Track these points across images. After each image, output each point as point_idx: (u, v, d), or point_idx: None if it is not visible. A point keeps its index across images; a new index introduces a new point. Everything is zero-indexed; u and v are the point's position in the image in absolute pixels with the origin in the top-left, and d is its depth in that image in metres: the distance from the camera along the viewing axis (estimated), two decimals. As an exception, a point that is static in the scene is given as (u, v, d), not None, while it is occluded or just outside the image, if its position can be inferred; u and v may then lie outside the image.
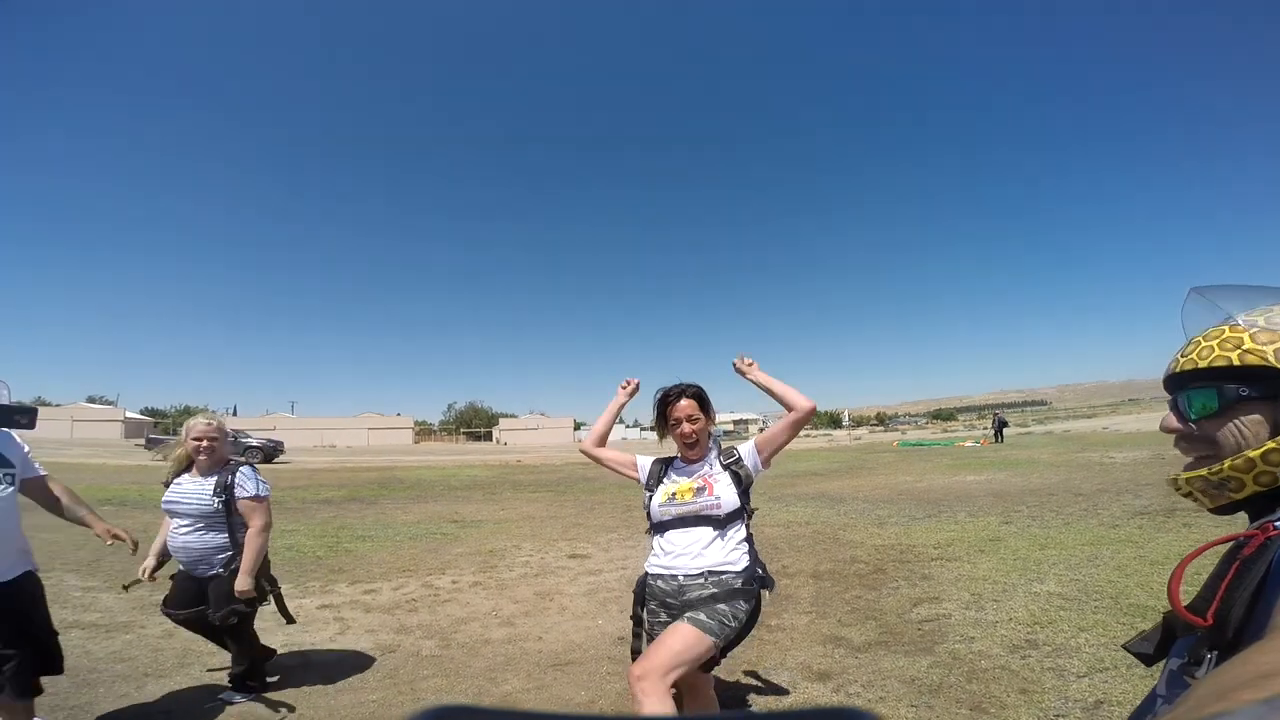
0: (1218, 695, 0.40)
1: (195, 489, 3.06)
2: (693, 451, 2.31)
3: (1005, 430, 29.11)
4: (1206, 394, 0.79)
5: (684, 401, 2.30)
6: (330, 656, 3.78)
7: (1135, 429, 27.95)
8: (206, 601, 3.02)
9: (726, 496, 2.19)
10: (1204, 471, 0.80)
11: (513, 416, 77.61)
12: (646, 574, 2.26)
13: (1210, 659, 0.69)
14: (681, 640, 1.94)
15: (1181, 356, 0.83)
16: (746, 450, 2.32)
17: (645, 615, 2.25)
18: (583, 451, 2.64)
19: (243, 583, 2.96)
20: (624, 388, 2.59)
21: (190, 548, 3.04)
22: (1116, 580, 4.59)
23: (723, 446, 2.38)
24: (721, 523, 2.17)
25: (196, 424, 3.12)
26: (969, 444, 26.66)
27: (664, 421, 2.36)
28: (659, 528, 2.26)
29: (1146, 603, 3.99)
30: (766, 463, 2.33)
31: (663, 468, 2.39)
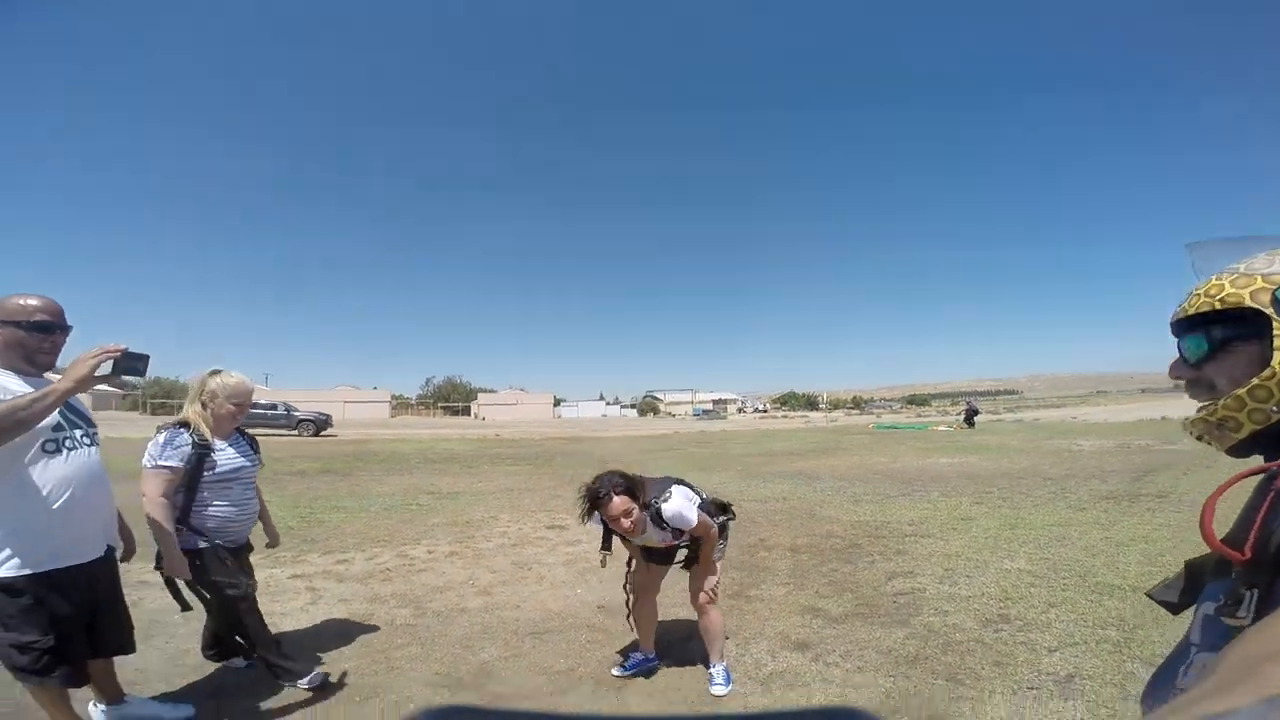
0: (1248, 667, 0.38)
1: (242, 451, 2.88)
2: (635, 533, 2.62)
3: (977, 417, 29.75)
4: (1197, 339, 0.82)
5: (616, 500, 2.49)
6: (301, 626, 3.71)
7: (1102, 419, 28.76)
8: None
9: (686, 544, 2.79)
10: (1203, 414, 0.82)
11: (491, 391, 77.16)
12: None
13: (1251, 598, 0.66)
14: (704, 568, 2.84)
15: (1179, 307, 0.86)
16: (678, 523, 2.61)
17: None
18: None
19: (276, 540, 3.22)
20: None
21: (248, 515, 2.90)
22: (1084, 559, 4.69)
23: (654, 511, 2.59)
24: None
25: (244, 385, 2.85)
26: (942, 429, 27.24)
27: (594, 513, 2.61)
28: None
29: (1113, 581, 4.08)
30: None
31: (611, 533, 2.79)
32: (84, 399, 2.38)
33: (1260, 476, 0.74)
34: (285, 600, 4.18)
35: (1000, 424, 30.30)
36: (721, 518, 2.91)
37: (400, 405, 70.10)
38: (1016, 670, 2.81)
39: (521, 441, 21.47)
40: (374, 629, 3.65)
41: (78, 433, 2.22)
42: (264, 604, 3.89)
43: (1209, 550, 0.84)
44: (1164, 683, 0.80)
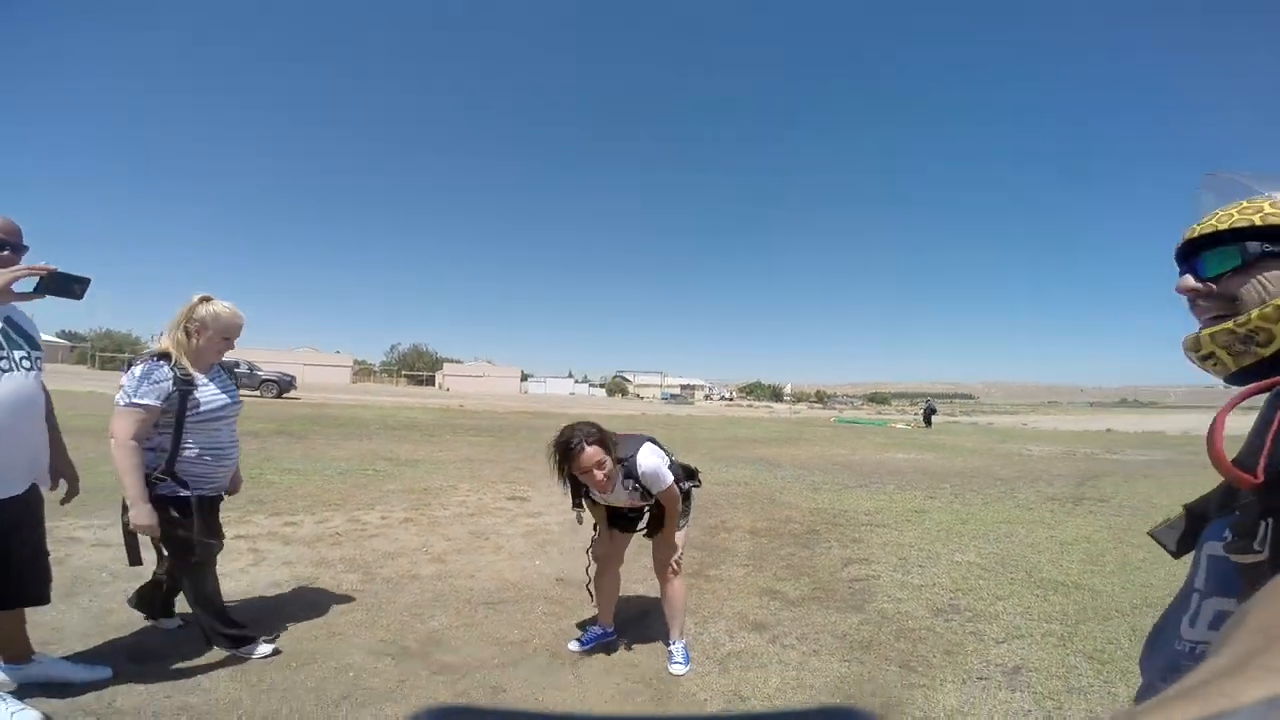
0: (1266, 636, 0.35)
1: (224, 388, 2.58)
2: (611, 494, 2.59)
3: (934, 417, 30.64)
4: (1227, 252, 0.79)
5: (588, 451, 2.37)
6: (240, 588, 3.56)
7: (1051, 428, 29.87)
8: (211, 524, 2.61)
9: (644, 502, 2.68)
10: (1230, 325, 0.77)
11: (458, 362, 76.06)
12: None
13: (1268, 527, 0.61)
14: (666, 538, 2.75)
15: (1198, 226, 0.83)
16: (656, 485, 2.56)
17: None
18: None
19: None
20: None
21: (234, 457, 2.65)
22: (1030, 556, 4.82)
23: (636, 476, 2.53)
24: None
25: (238, 317, 2.57)
26: (900, 426, 27.96)
27: (566, 469, 2.47)
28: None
29: (1057, 578, 4.20)
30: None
31: (583, 488, 2.62)
32: (33, 322, 2.17)
33: (1266, 397, 0.71)
34: (226, 561, 3.98)
35: (956, 425, 31.23)
36: (688, 483, 2.83)
37: (362, 371, 68.57)
38: (966, 660, 2.85)
39: (486, 414, 21.21)
40: (318, 593, 3.51)
41: (18, 354, 2.01)
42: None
43: (1193, 502, 0.82)
44: (1165, 640, 0.76)
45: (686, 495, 2.79)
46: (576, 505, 2.70)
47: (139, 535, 2.40)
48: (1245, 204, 0.79)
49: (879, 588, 3.95)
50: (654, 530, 2.79)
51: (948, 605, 3.63)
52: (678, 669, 2.69)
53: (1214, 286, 0.80)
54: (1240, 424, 0.71)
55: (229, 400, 2.58)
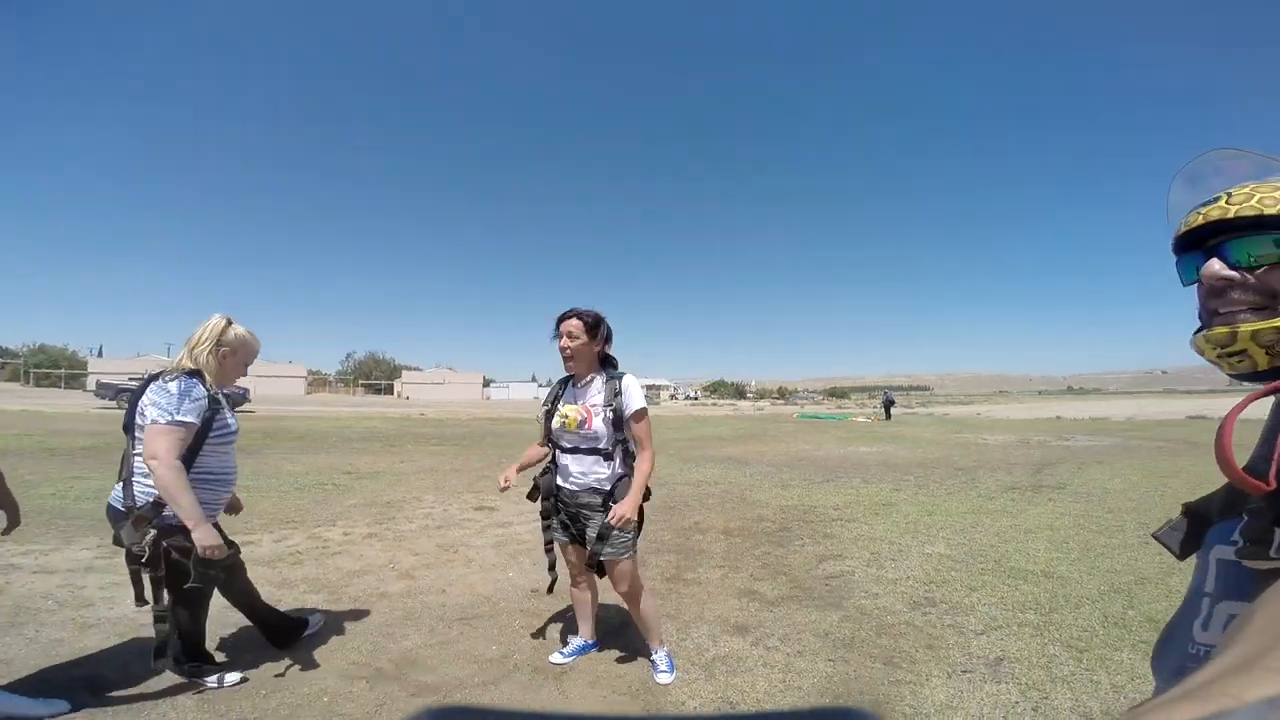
0: (1272, 636, 0.35)
1: (230, 410, 2.60)
2: (572, 366, 2.61)
3: (893, 409, 31.45)
4: (1264, 241, 0.69)
5: (571, 321, 2.58)
6: None
7: (1004, 416, 30.94)
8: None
9: (603, 430, 2.54)
10: (1276, 322, 0.67)
11: (417, 370, 74.46)
12: (556, 482, 2.68)
13: None
14: (618, 568, 2.57)
15: (1227, 203, 0.71)
16: (628, 401, 2.56)
17: (553, 510, 2.73)
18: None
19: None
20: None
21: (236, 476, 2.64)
22: (997, 545, 4.93)
23: (614, 375, 2.62)
24: (605, 452, 2.56)
25: (258, 344, 2.62)
26: (861, 419, 28.61)
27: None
28: (555, 445, 2.68)
29: (1026, 567, 4.30)
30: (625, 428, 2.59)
31: (560, 389, 2.75)
32: None
33: (1274, 399, 0.67)
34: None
35: (914, 417, 32.07)
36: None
37: (317, 381, 66.51)
38: (948, 653, 2.87)
39: (448, 421, 20.79)
40: (283, 616, 3.33)
41: None
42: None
43: (1193, 502, 0.78)
44: (1176, 642, 0.73)
45: (640, 518, 2.67)
46: (545, 406, 2.73)
47: (141, 566, 2.25)
48: (1274, 188, 0.70)
49: (855, 583, 3.97)
50: (598, 564, 2.62)
51: (923, 598, 3.67)
52: (663, 678, 2.63)
53: (1250, 278, 0.70)
54: (1168, 408, 0.68)
55: (237, 423, 2.59)
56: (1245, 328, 0.69)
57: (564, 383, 2.75)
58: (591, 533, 2.57)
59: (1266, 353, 0.69)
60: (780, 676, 2.67)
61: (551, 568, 2.84)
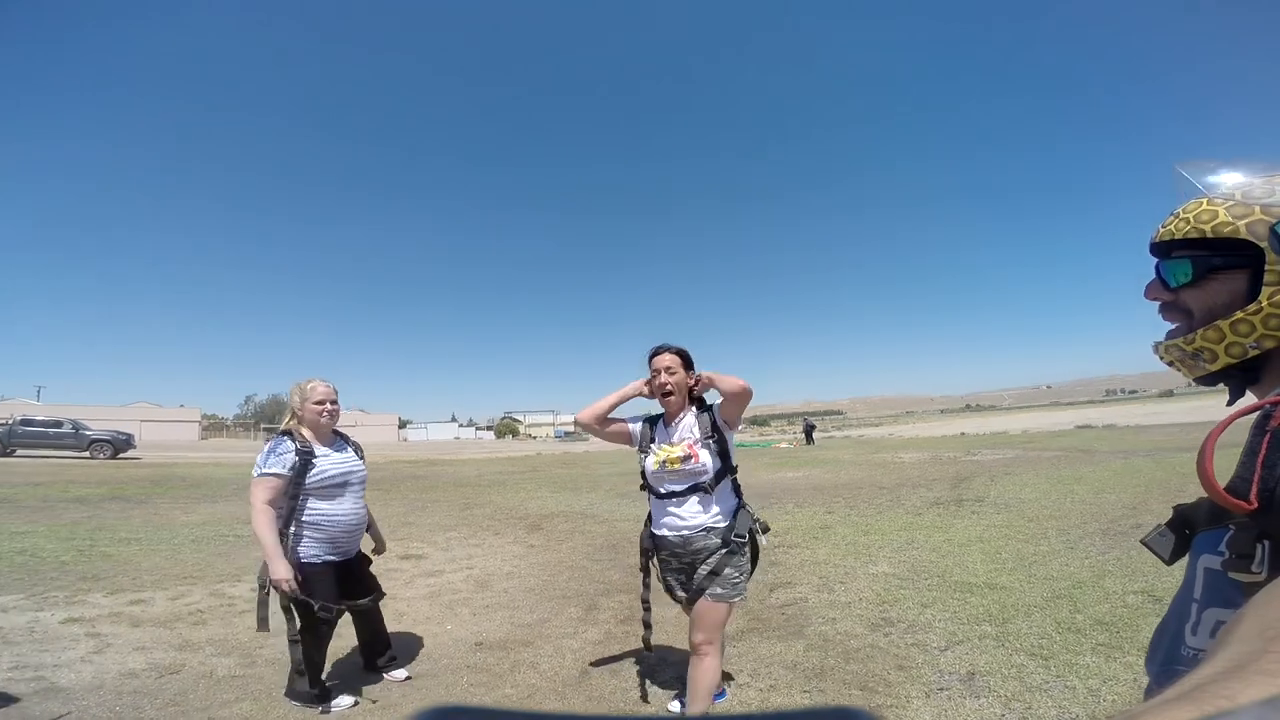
0: (1263, 639, 0.36)
1: (347, 457, 2.92)
2: (668, 399, 2.48)
3: (814, 433, 32.59)
4: (1182, 264, 0.78)
5: (665, 356, 2.50)
6: (84, 680, 2.84)
7: (913, 435, 32.76)
8: (349, 587, 2.89)
9: (710, 461, 2.39)
10: (1179, 341, 0.78)
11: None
12: (653, 532, 2.52)
13: (1264, 549, 0.59)
14: (714, 613, 2.34)
15: (1162, 228, 0.81)
16: (719, 418, 2.49)
17: (655, 565, 2.57)
18: (579, 422, 2.66)
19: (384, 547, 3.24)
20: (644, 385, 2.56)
21: (362, 520, 2.93)
22: (936, 560, 5.06)
23: (705, 407, 2.53)
24: (710, 485, 2.39)
25: (319, 386, 2.87)
26: (784, 445, 29.46)
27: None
28: (655, 493, 2.50)
29: (968, 580, 4.41)
30: (731, 427, 2.50)
31: (650, 429, 2.60)
32: None
33: (1254, 416, 0.68)
34: (56, 650, 3.23)
35: (832, 440, 33.36)
36: (756, 527, 2.49)
37: (213, 426, 61.30)
38: (919, 672, 2.84)
39: (364, 462, 19.46)
40: (189, 682, 2.90)
41: None
42: (29, 655, 3.02)
43: (1183, 505, 0.79)
44: (1169, 643, 0.74)
45: (755, 552, 2.50)
46: (641, 450, 2.57)
47: (269, 596, 2.66)
48: (1205, 205, 0.76)
49: (810, 610, 3.92)
50: (693, 595, 2.40)
51: (881, 619, 3.66)
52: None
53: (1175, 297, 0.79)
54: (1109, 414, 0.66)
55: (351, 469, 2.87)
56: (1162, 345, 0.81)
57: (651, 423, 2.61)
58: (703, 570, 2.37)
59: (1183, 365, 0.79)
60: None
61: (646, 626, 2.65)
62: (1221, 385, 0.79)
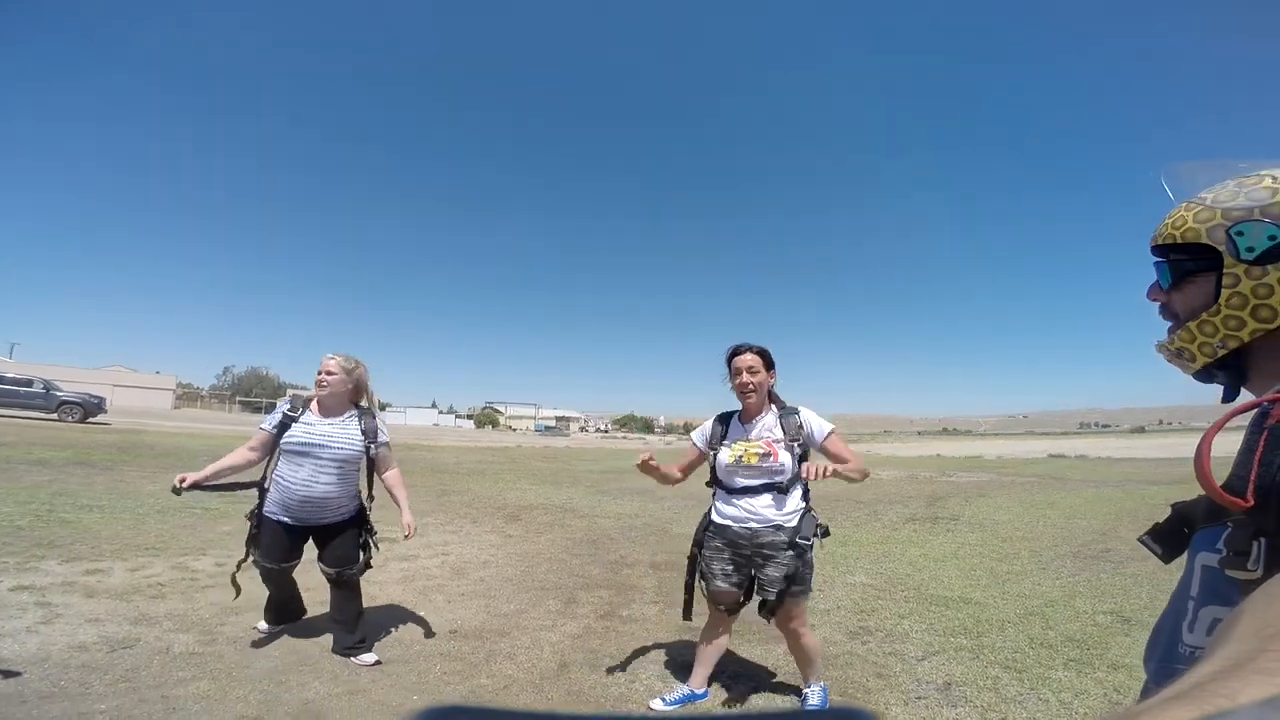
0: (1260, 638, 0.35)
1: (335, 431, 2.99)
2: (749, 399, 2.51)
3: (794, 445, 32.74)
4: (1162, 269, 0.82)
5: (747, 356, 2.52)
6: (28, 651, 2.72)
7: (890, 454, 33.05)
8: (298, 553, 3.06)
9: (789, 463, 2.45)
10: (1165, 342, 0.83)
11: (303, 388, 68.98)
12: (713, 520, 2.57)
13: (1260, 547, 0.59)
14: (798, 606, 2.48)
15: (1156, 232, 0.86)
16: (813, 428, 2.52)
17: (708, 553, 2.58)
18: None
19: (411, 520, 3.13)
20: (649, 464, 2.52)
21: (326, 495, 2.96)
22: (913, 574, 5.08)
23: (788, 410, 2.55)
24: (785, 486, 2.44)
25: (325, 359, 3.03)
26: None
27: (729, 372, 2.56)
28: (726, 488, 2.53)
29: (943, 594, 4.43)
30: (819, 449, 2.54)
31: (723, 426, 2.62)
32: None
33: (1252, 414, 0.69)
34: (4, 620, 3.09)
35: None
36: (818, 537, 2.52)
37: (188, 395, 60.08)
38: (898, 681, 2.84)
39: (340, 444, 19.17)
40: (142, 658, 2.78)
41: None
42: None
43: (1181, 503, 0.80)
44: (1166, 641, 0.74)
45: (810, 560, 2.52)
46: (711, 448, 2.60)
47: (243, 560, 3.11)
48: (1180, 211, 0.79)
49: (790, 615, 3.89)
50: (770, 609, 2.48)
51: (859, 628, 3.65)
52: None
53: (1165, 298, 0.83)
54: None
55: (320, 442, 2.92)
56: (1156, 346, 0.85)
57: (724, 420, 2.65)
58: (774, 572, 2.42)
59: (1175, 364, 0.82)
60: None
61: (688, 606, 2.76)
62: (1219, 384, 0.80)
